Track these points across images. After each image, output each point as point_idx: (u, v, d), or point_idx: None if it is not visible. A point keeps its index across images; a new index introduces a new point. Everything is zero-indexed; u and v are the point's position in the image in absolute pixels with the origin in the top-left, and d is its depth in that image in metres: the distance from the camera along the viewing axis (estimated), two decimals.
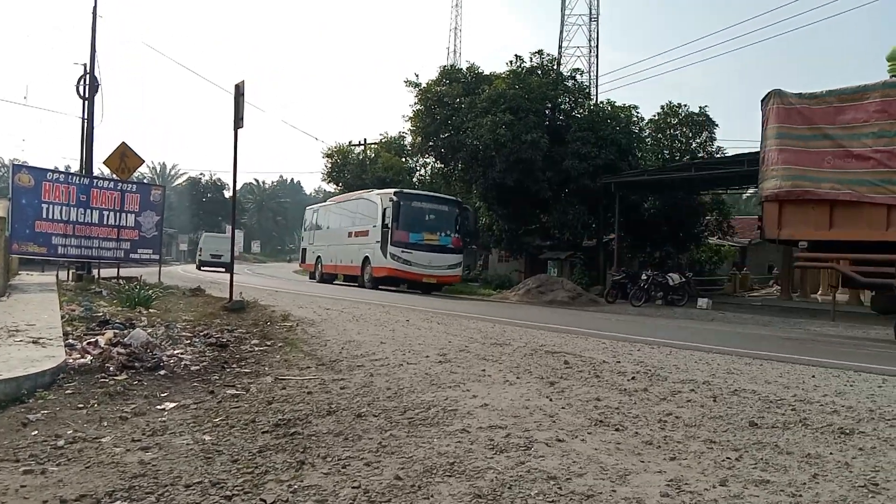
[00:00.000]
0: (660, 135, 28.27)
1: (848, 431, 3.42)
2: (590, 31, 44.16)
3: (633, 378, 4.80)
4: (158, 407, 3.91)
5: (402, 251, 20.47)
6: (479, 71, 29.37)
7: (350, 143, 39.08)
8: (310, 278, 28.55)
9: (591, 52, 43.95)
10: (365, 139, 39.47)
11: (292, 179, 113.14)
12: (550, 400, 4.01)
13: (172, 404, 3.97)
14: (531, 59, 27.58)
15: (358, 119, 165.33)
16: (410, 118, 29.80)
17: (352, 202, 25.56)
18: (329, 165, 37.05)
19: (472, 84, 28.23)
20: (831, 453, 3.04)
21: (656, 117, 28.19)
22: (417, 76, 29.83)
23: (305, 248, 29.80)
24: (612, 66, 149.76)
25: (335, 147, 37.53)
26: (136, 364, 5.04)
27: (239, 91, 9.99)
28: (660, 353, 6.57)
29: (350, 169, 35.55)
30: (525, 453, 2.94)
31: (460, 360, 5.40)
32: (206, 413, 3.75)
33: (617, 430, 3.37)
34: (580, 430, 3.34)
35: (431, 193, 22.88)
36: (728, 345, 7.97)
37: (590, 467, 2.77)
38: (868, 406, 4.11)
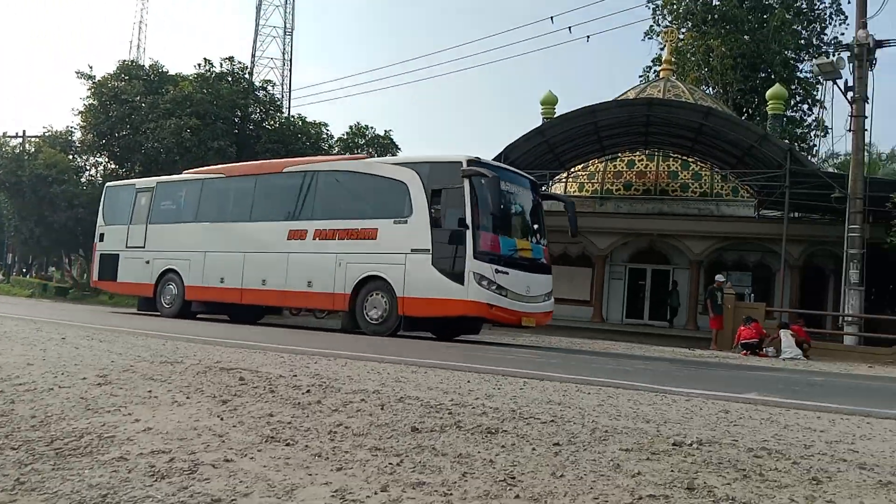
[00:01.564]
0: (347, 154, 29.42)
1: (493, 431, 3.83)
2: (283, 43, 44.33)
3: (307, 391, 4.87)
4: None
5: (496, 270, 11.78)
6: (164, 70, 27.68)
7: (5, 134, 33.87)
8: (139, 309, 18.58)
9: (284, 64, 44.07)
10: (24, 131, 34.80)
11: None
12: (221, 419, 3.88)
13: None
14: (221, 64, 26.81)
15: (15, 109, 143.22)
16: (81, 112, 26.84)
17: (304, 175, 14.45)
18: None
19: (155, 83, 26.48)
20: (479, 452, 3.37)
21: (345, 136, 29.31)
22: (91, 68, 26.88)
23: (118, 256, 17.45)
24: (309, 81, 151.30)
25: None
26: None
27: None
28: (336, 365, 6.76)
29: (3, 164, 30.59)
30: (189, 477, 2.80)
31: (123, 382, 4.95)
32: None
33: (287, 444, 3.38)
34: (250, 447, 3.29)
35: (507, 167, 14.27)
36: (399, 354, 8.50)
37: (257, 486, 2.74)
38: (511, 407, 4.68)
